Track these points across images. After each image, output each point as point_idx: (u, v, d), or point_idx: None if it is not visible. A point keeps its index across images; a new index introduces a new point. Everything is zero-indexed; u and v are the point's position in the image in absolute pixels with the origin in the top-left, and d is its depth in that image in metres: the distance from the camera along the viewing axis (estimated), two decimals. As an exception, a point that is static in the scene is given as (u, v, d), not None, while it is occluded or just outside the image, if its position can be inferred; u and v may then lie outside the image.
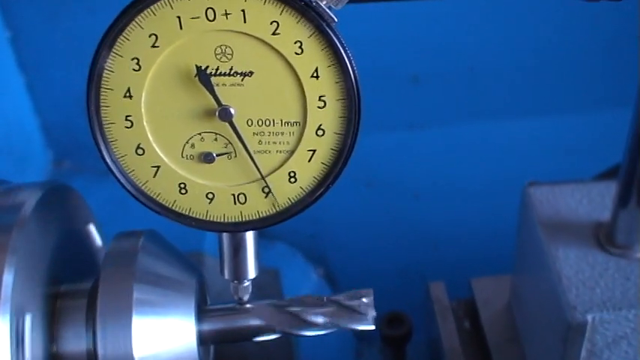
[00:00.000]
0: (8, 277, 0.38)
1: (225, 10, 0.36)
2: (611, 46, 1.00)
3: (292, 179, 0.40)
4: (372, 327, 0.45)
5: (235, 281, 0.45)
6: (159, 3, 0.36)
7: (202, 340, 0.44)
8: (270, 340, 0.52)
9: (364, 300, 0.45)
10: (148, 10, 0.36)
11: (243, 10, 0.36)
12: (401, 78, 1.08)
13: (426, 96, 1.11)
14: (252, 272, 0.44)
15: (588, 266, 0.56)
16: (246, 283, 0.45)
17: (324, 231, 1.11)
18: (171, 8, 0.36)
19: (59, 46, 1.04)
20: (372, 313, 0.44)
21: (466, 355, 0.72)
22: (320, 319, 0.44)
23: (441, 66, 1.07)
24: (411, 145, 1.13)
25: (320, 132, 0.39)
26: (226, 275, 0.44)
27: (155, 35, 0.37)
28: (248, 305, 0.45)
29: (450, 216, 1.04)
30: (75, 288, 0.44)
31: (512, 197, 0.69)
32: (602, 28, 0.97)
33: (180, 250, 0.48)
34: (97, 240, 0.53)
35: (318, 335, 0.47)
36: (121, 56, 0.37)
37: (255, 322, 0.45)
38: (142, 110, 0.38)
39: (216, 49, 0.37)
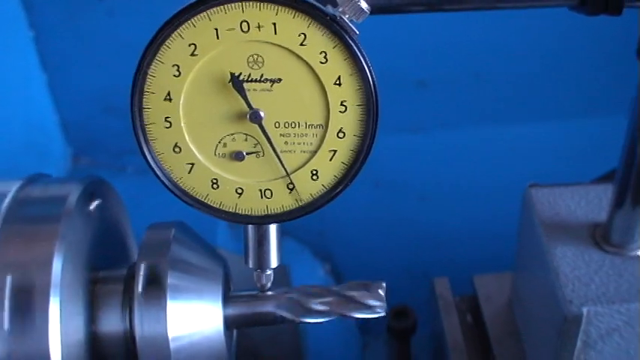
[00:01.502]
0: (57, 263, 0.42)
1: (258, 23, 0.40)
2: (611, 54, 1.03)
3: (314, 177, 0.44)
4: (382, 313, 0.48)
5: (258, 270, 0.48)
6: (198, 16, 0.39)
7: (228, 323, 0.48)
8: (280, 332, 0.55)
9: (379, 290, 0.49)
10: (189, 22, 0.40)
11: (274, 23, 0.40)
12: (408, 83, 1.11)
13: (432, 100, 1.14)
14: (274, 262, 0.48)
15: (584, 263, 0.59)
16: (269, 272, 0.48)
17: (331, 229, 1.14)
18: (210, 20, 0.40)
19: (79, 47, 1.07)
20: (383, 303, 0.48)
21: (468, 348, 0.75)
22: (334, 307, 0.48)
23: (447, 71, 1.10)
24: (418, 147, 1.16)
25: (341, 134, 0.43)
26: (250, 264, 0.48)
27: (194, 44, 0.40)
28: (269, 292, 0.49)
29: (454, 215, 1.07)
30: (112, 274, 0.48)
31: (513, 198, 0.72)
32: (604, 36, 1.00)
33: (206, 241, 0.51)
34: (128, 229, 0.56)
35: (326, 327, 0.50)
36: (163, 63, 0.41)
37: (274, 309, 0.49)
38: (180, 112, 0.42)
39: (248, 58, 0.41)
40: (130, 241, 0.57)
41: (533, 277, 0.65)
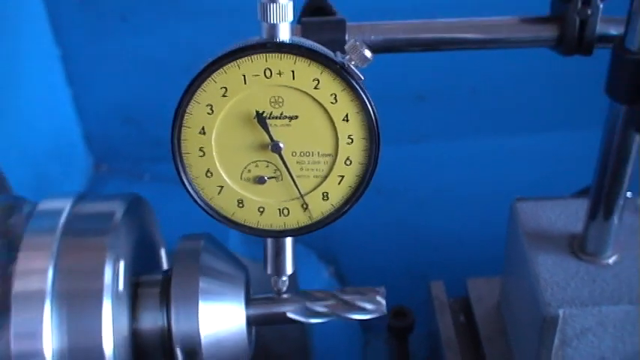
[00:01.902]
0: (108, 270, 0.50)
1: (279, 70, 0.47)
2: (600, 72, 1.09)
3: (325, 198, 0.51)
4: (383, 312, 0.56)
5: (276, 276, 0.56)
6: (229, 64, 0.47)
7: (249, 322, 0.56)
8: (289, 330, 0.62)
9: (377, 293, 0.56)
10: (221, 69, 0.47)
11: (292, 71, 0.47)
12: (409, 97, 1.18)
13: (430, 113, 1.20)
14: (289, 269, 0.55)
15: (562, 270, 0.66)
16: (284, 278, 0.56)
17: (336, 234, 1.19)
18: (238, 68, 0.47)
19: (102, 64, 1.14)
20: (383, 304, 0.55)
21: (461, 346, 0.81)
22: (342, 312, 0.55)
23: (445, 87, 1.17)
24: (417, 156, 1.23)
25: (348, 162, 0.50)
26: (269, 271, 0.55)
27: (225, 87, 0.47)
28: (285, 295, 0.57)
29: (451, 222, 1.13)
30: (150, 278, 0.55)
31: (506, 206, 0.77)
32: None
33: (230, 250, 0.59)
34: (159, 238, 0.64)
35: (331, 326, 0.57)
36: (199, 103, 0.48)
37: (290, 310, 0.56)
38: (212, 143, 0.49)
39: (270, 99, 0.48)
40: (160, 248, 0.64)
41: (518, 281, 0.72)
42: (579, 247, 0.67)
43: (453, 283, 0.88)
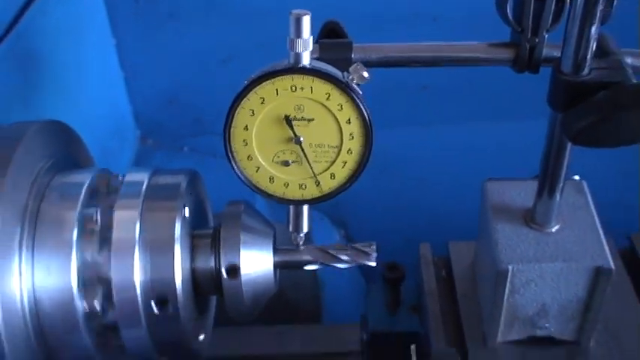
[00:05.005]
0: (177, 225, 0.69)
1: (302, 86, 0.65)
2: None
3: (332, 177, 0.69)
4: (374, 264, 0.75)
5: (295, 233, 0.75)
6: (266, 82, 0.65)
7: (275, 266, 0.75)
8: (302, 278, 0.80)
9: (372, 247, 0.75)
10: (260, 85, 0.66)
11: (311, 87, 0.65)
12: (413, 87, 1.30)
13: (432, 101, 1.32)
14: (306, 228, 0.73)
15: (515, 236, 0.83)
16: (302, 234, 0.75)
17: (346, 202, 1.31)
18: (273, 84, 0.65)
19: (150, 52, 1.27)
20: (374, 255, 0.75)
21: (440, 295, 0.96)
22: (345, 257, 0.75)
23: (445, 78, 1.32)
24: (419, 138, 1.37)
25: (350, 152, 0.68)
26: (290, 229, 0.73)
27: (263, 98, 0.65)
28: (302, 248, 0.76)
29: (442, 196, 1.27)
30: (203, 232, 0.74)
31: None
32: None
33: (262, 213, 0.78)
34: (207, 202, 0.83)
35: (338, 275, 0.76)
36: (244, 108, 0.66)
37: (306, 257, 0.76)
38: (252, 137, 0.67)
39: (295, 106, 0.65)
40: (208, 209, 0.83)
41: (484, 244, 0.90)
42: (530, 218, 0.85)
43: (438, 245, 1.03)
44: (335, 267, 0.75)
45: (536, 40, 0.75)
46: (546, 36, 0.75)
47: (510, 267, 0.81)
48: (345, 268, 0.77)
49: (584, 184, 0.90)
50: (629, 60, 0.74)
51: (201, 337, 0.76)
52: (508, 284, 0.82)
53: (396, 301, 1.05)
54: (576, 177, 0.91)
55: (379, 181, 1.33)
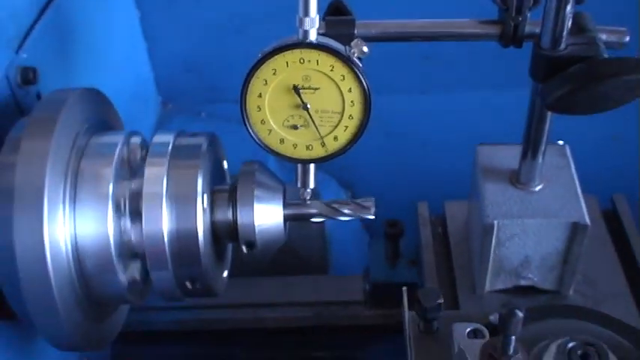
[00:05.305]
0: (199, 180, 0.79)
1: (309, 59, 0.73)
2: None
3: (335, 140, 0.77)
4: (373, 217, 0.85)
5: (303, 188, 0.84)
6: (277, 55, 0.74)
7: (285, 219, 0.85)
8: (310, 230, 0.90)
9: (371, 202, 0.85)
10: (273, 57, 0.75)
11: (317, 60, 0.74)
12: (416, 56, 1.36)
13: (434, 70, 1.39)
14: (312, 184, 0.82)
15: (501, 194, 0.91)
16: (309, 190, 0.84)
17: (352, 165, 1.42)
18: (283, 57, 0.73)
19: (171, 24, 1.36)
20: (373, 209, 0.84)
21: (435, 249, 1.05)
22: (346, 210, 0.84)
23: (446, 50, 1.38)
24: (421, 105, 1.43)
25: (350, 117, 0.77)
26: (299, 184, 0.82)
27: (275, 69, 0.74)
28: (309, 202, 0.86)
29: (442, 158, 1.35)
30: (221, 187, 0.84)
31: None
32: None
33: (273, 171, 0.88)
34: (224, 161, 0.93)
35: (343, 228, 0.85)
36: (258, 78, 0.74)
37: (313, 210, 0.85)
38: (265, 103, 0.76)
39: (302, 76, 0.73)
40: (225, 168, 0.93)
41: (475, 202, 0.99)
42: (515, 179, 0.94)
43: (436, 204, 1.12)
44: (338, 219, 0.84)
45: (520, 19, 0.82)
46: (529, 15, 0.83)
47: (496, 222, 0.90)
48: (347, 221, 0.86)
49: (567, 148, 0.99)
50: (603, 36, 0.82)
51: (219, 279, 0.86)
52: (494, 238, 0.91)
53: (395, 255, 1.15)
54: (560, 142, 1.00)
55: (384, 145, 1.43)
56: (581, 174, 0.95)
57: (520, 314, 0.55)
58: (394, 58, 1.19)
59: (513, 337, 0.58)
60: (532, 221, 0.90)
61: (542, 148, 0.89)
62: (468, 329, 0.65)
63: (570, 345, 0.61)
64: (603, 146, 1.39)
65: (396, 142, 1.41)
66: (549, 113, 0.86)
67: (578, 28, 0.81)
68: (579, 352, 0.60)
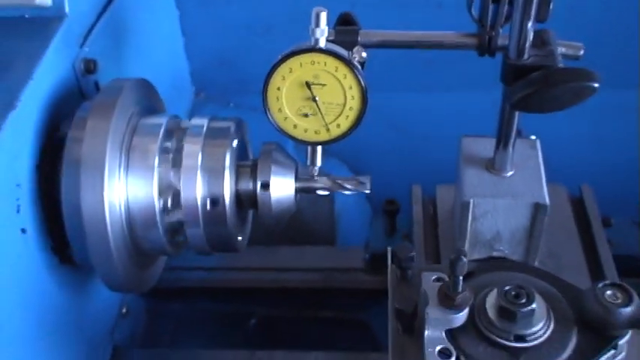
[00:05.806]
0: (227, 156, 0.98)
1: (318, 61, 0.92)
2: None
3: (338, 127, 0.95)
4: (368, 191, 1.03)
5: (311, 165, 1.03)
6: (292, 57, 0.92)
7: (296, 190, 1.03)
8: (318, 201, 1.08)
9: (367, 179, 1.03)
10: (289, 59, 0.93)
11: (325, 62, 0.92)
12: (419, 62, 1.47)
13: (435, 73, 1.49)
14: (319, 162, 1.00)
15: (477, 178, 1.07)
16: (316, 167, 1.02)
17: (362, 154, 1.57)
18: (298, 59, 0.91)
19: (207, 22, 1.53)
20: (368, 185, 1.02)
21: (424, 226, 1.18)
22: (348, 185, 1.03)
23: (444, 56, 1.51)
24: (424, 104, 1.57)
25: (351, 109, 0.93)
26: (308, 162, 1.01)
27: (290, 68, 0.92)
28: (316, 177, 1.04)
29: (439, 150, 1.48)
30: (245, 163, 1.02)
31: None
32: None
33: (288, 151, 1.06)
34: (248, 143, 1.11)
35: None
36: (277, 74, 0.92)
37: (319, 184, 1.03)
38: (283, 95, 0.95)
39: (313, 75, 0.92)
40: (249, 147, 1.12)
41: (458, 185, 1.17)
42: (491, 165, 1.10)
43: (429, 187, 1.24)
44: (340, 192, 1.03)
45: (493, 33, 1.00)
46: (501, 30, 1.00)
47: (471, 200, 1.06)
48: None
49: (538, 142, 1.16)
50: (562, 49, 0.99)
51: (241, 238, 1.06)
52: (470, 214, 1.07)
53: (392, 229, 1.33)
54: (532, 137, 1.17)
55: (391, 137, 1.62)
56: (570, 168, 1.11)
57: (464, 258, 0.73)
58: (399, 61, 1.36)
59: (461, 277, 0.75)
60: (502, 201, 1.06)
61: (512, 140, 1.06)
62: (434, 277, 0.83)
63: (507, 288, 0.79)
64: (574, 142, 1.55)
65: (399, 135, 1.56)
66: (516, 112, 1.03)
67: (542, 41, 0.98)
68: (513, 293, 0.78)
